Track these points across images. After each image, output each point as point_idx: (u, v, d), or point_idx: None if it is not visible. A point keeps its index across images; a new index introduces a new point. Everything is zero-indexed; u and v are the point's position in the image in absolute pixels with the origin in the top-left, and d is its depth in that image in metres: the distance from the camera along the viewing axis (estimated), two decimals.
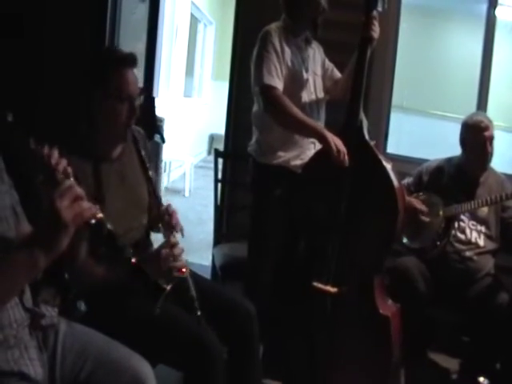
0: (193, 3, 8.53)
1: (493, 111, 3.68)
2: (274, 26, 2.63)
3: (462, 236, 2.87)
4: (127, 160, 2.04)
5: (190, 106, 9.33)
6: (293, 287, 2.63)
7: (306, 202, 2.57)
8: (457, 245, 2.85)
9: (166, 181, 7.40)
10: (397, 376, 2.65)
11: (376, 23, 2.49)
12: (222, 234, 3.48)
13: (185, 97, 8.84)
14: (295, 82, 2.64)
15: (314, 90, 2.74)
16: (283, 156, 2.66)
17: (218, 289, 2.23)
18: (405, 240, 2.92)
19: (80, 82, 1.99)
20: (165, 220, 1.98)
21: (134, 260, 1.46)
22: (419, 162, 3.24)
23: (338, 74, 2.86)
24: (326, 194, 2.50)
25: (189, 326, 1.85)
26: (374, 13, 2.49)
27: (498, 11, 3.71)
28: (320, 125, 2.66)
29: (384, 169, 2.42)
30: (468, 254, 2.84)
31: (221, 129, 4.01)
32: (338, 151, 2.38)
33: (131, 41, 3.29)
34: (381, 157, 2.46)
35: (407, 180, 3.04)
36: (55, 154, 1.37)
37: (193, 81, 10.02)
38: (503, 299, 2.69)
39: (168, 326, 1.85)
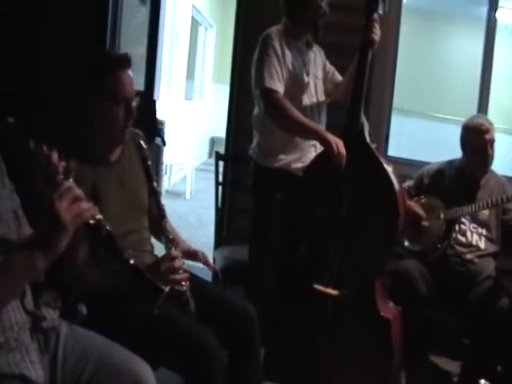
0: (194, 6, 8.55)
1: (493, 114, 3.68)
2: (274, 30, 2.63)
3: (462, 239, 2.87)
4: (127, 163, 2.04)
5: (191, 109, 9.34)
6: (294, 289, 2.63)
7: (306, 204, 2.57)
8: (458, 247, 2.85)
9: (166, 184, 7.41)
10: (397, 378, 2.65)
11: (377, 26, 2.50)
12: (222, 236, 3.49)
13: (186, 100, 8.85)
14: (296, 85, 2.64)
15: (315, 93, 2.74)
16: (284, 159, 2.66)
17: (218, 291, 2.22)
18: (406, 243, 2.92)
19: (78, 85, 1.99)
20: (168, 237, 1.99)
21: (132, 262, 1.46)
22: (420, 164, 3.25)
23: (338, 77, 2.86)
24: (327, 197, 2.50)
25: (189, 328, 1.85)
26: (375, 16, 2.50)
27: (499, 14, 3.72)
28: (321, 127, 2.66)
29: (385, 171, 2.42)
30: (469, 256, 2.84)
31: (222, 132, 4.02)
32: (339, 153, 2.39)
33: (132, 44, 3.30)
34: (382, 159, 2.46)
35: (408, 183, 3.05)
36: (55, 155, 1.37)
37: (194, 84, 10.03)
38: (504, 302, 2.69)
39: (168, 329, 1.85)
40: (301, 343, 2.58)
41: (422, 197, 2.97)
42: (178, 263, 1.86)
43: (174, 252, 1.91)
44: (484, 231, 2.89)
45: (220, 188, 3.54)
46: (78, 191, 1.28)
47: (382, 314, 2.42)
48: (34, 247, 1.23)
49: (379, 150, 2.71)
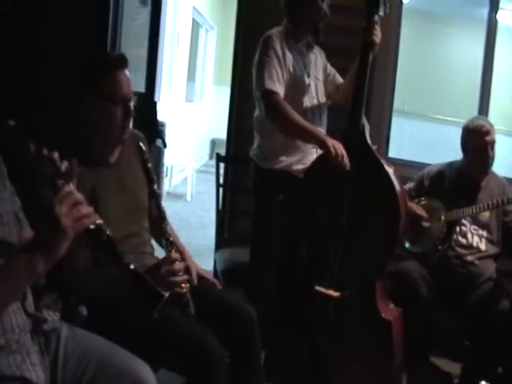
0: (194, 8, 8.56)
1: (494, 115, 3.68)
2: (275, 31, 2.63)
3: (463, 240, 2.87)
4: (126, 165, 2.03)
5: (192, 111, 9.34)
6: (295, 291, 2.63)
7: (307, 206, 2.57)
8: (458, 249, 2.85)
9: (167, 186, 7.40)
10: (398, 380, 2.65)
11: (378, 28, 2.50)
12: (223, 238, 3.48)
13: (186, 101, 8.85)
14: (297, 87, 2.64)
15: (315, 95, 2.74)
16: (285, 161, 2.66)
17: (219, 293, 2.22)
18: (406, 244, 2.92)
19: (76, 86, 1.98)
20: (168, 239, 1.99)
21: (132, 267, 1.46)
22: (421, 166, 3.25)
23: (339, 79, 2.86)
24: (328, 199, 2.50)
25: (190, 329, 1.85)
26: (376, 17, 2.50)
27: (500, 15, 3.72)
28: (320, 130, 2.66)
29: (386, 173, 2.42)
30: (469, 258, 2.84)
31: (222, 133, 4.02)
32: (337, 154, 2.38)
33: (133, 46, 3.29)
34: (383, 161, 2.46)
35: (409, 185, 3.04)
36: (55, 157, 1.37)
37: (194, 85, 10.03)
38: (504, 304, 2.69)
39: (169, 330, 1.85)
40: (301, 345, 2.57)
41: (423, 198, 2.97)
42: (178, 265, 1.86)
43: (174, 254, 1.91)
44: (485, 233, 2.89)
45: (221, 190, 3.53)
46: (79, 195, 1.28)
47: (382, 315, 2.43)
48: (35, 251, 1.23)
49: (380, 152, 2.72)
